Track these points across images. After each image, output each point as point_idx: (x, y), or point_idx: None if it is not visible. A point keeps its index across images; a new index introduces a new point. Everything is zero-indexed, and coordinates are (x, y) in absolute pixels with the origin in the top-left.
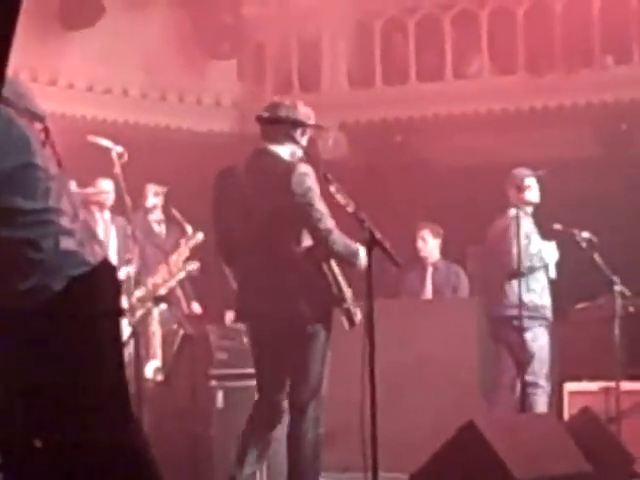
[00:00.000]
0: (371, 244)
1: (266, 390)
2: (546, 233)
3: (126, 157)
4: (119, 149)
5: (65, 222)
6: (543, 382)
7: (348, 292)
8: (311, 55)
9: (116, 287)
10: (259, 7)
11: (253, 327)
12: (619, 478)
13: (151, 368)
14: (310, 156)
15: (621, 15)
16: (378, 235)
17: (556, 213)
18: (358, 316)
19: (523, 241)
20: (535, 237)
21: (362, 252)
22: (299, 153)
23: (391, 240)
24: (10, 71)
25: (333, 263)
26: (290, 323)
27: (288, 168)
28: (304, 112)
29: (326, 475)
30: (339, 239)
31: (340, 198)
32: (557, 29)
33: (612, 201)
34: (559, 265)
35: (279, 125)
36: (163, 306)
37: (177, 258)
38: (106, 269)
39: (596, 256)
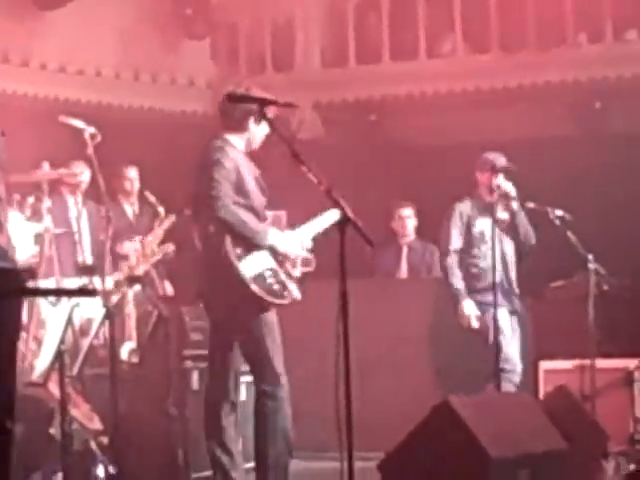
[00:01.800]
0: (344, 223)
1: (215, 373)
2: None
3: (99, 138)
4: (92, 130)
5: None
6: (506, 365)
7: (249, 272)
8: (284, 35)
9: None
10: None
11: (205, 307)
12: (594, 455)
13: (126, 350)
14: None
15: None
16: (351, 214)
17: (530, 191)
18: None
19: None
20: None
21: (271, 234)
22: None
23: (365, 219)
24: None
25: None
26: (230, 305)
27: (206, 147)
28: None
29: (302, 455)
30: (229, 209)
31: (312, 177)
32: (530, 7)
33: (586, 179)
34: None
35: (233, 114)
36: (137, 287)
37: (151, 240)
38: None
39: (570, 234)
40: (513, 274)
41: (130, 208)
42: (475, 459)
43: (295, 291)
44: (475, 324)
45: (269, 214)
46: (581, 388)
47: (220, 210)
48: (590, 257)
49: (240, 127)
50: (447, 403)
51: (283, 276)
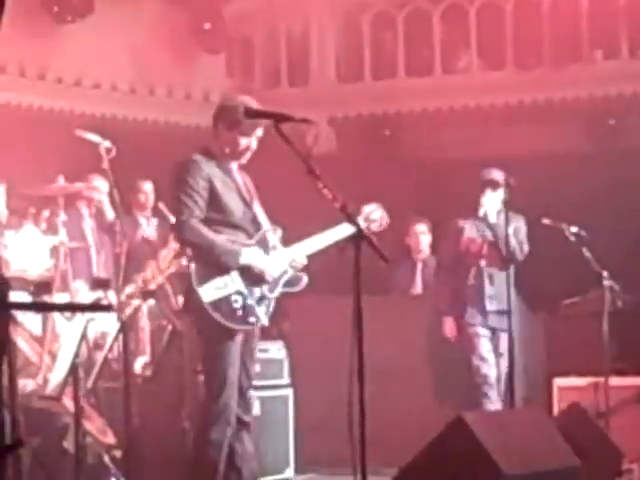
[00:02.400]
0: (359, 239)
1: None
2: (535, 228)
3: (114, 152)
4: (107, 144)
5: None
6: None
7: (209, 297)
8: (299, 50)
9: None
10: (247, 2)
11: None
12: (607, 473)
13: (140, 363)
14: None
15: (610, 10)
16: (365, 229)
17: (544, 208)
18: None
19: None
20: None
21: (245, 254)
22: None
23: (378, 235)
24: None
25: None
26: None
27: (179, 164)
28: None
29: (315, 470)
30: (195, 231)
31: (327, 193)
32: (546, 24)
33: (600, 196)
34: (548, 260)
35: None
36: (152, 302)
37: (166, 254)
38: None
39: (585, 251)
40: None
41: (145, 221)
42: (488, 475)
43: (263, 317)
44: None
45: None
46: (595, 405)
47: (185, 233)
48: (605, 274)
49: (220, 137)
50: (461, 419)
51: (251, 300)
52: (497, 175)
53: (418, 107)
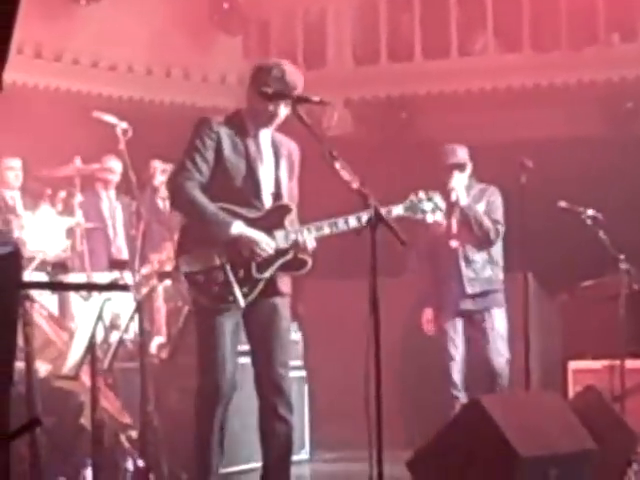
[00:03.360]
0: (376, 221)
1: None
2: (552, 211)
3: (131, 133)
4: (124, 125)
5: None
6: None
7: (187, 267)
8: (316, 32)
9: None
10: None
11: None
12: (623, 456)
13: (155, 344)
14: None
15: None
16: (383, 212)
17: (561, 191)
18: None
19: None
20: None
21: (236, 227)
22: None
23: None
24: (14, 46)
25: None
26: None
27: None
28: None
29: (330, 452)
30: (186, 191)
31: (345, 175)
32: (562, 6)
33: (617, 179)
34: (564, 243)
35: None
36: (168, 282)
37: None
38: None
39: (601, 234)
40: (476, 272)
41: (161, 202)
42: (504, 458)
43: (240, 298)
44: (430, 332)
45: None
46: (610, 388)
47: (176, 196)
48: (621, 257)
49: (250, 100)
50: (477, 402)
51: (232, 278)
52: (462, 155)
53: (435, 89)
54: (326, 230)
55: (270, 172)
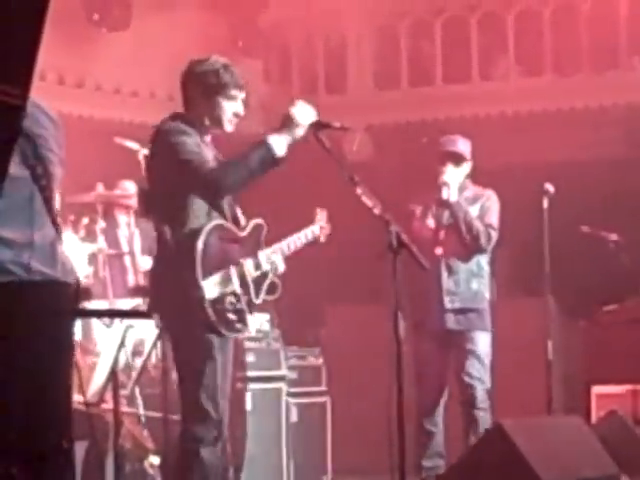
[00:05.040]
0: (398, 247)
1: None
2: (575, 235)
3: None
4: (145, 151)
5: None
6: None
7: (210, 293)
8: (337, 56)
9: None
10: (285, 8)
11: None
12: None
13: None
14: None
15: None
16: (405, 238)
17: (584, 215)
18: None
19: None
20: None
21: (273, 141)
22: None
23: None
24: (37, 73)
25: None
26: (177, 322)
27: (154, 133)
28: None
29: (353, 478)
30: (227, 168)
31: (366, 200)
32: (584, 30)
33: (639, 202)
34: (587, 267)
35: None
36: None
37: None
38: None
39: (623, 257)
40: (459, 285)
41: None
42: None
43: (251, 325)
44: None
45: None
46: (634, 413)
47: (227, 176)
48: None
49: (198, 106)
50: (499, 426)
51: (243, 305)
52: (463, 146)
53: (456, 114)
54: (286, 250)
55: None
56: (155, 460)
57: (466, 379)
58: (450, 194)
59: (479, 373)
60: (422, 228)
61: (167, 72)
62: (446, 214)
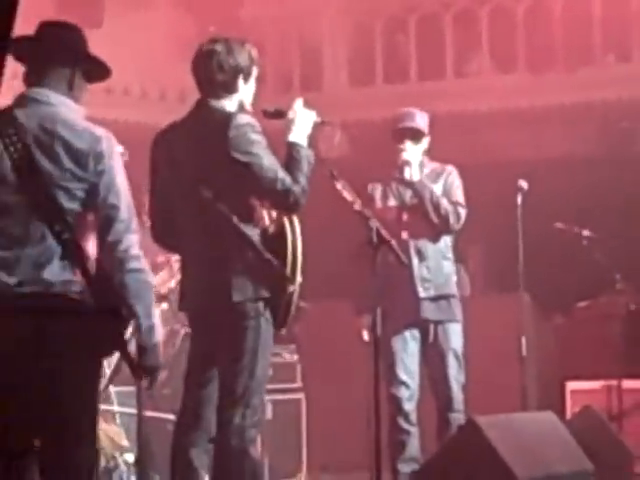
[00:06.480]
0: (378, 242)
1: (188, 395)
2: (548, 231)
3: (127, 157)
4: (120, 149)
5: None
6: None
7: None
8: (312, 54)
9: None
10: (259, 7)
11: (190, 320)
12: (620, 477)
13: None
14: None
15: (622, 13)
16: (384, 233)
17: (557, 211)
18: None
19: None
20: None
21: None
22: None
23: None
24: (9, 73)
25: (292, 240)
26: (226, 316)
27: (224, 121)
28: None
29: (327, 474)
30: (302, 187)
31: (347, 195)
32: (557, 27)
33: (614, 199)
34: (560, 263)
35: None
36: (164, 305)
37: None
38: None
39: (598, 254)
40: (431, 271)
41: None
42: (501, 479)
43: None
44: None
45: None
46: (608, 408)
47: (303, 196)
48: (617, 277)
49: (231, 88)
50: (473, 422)
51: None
52: (420, 122)
53: (430, 111)
54: None
55: None
56: (130, 457)
57: (444, 382)
58: (412, 173)
59: (456, 371)
60: (384, 210)
61: (141, 69)
62: (408, 193)
